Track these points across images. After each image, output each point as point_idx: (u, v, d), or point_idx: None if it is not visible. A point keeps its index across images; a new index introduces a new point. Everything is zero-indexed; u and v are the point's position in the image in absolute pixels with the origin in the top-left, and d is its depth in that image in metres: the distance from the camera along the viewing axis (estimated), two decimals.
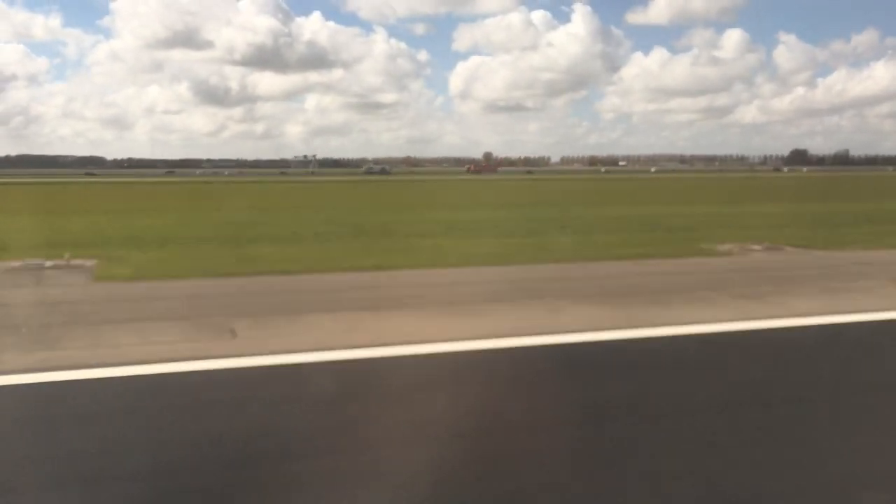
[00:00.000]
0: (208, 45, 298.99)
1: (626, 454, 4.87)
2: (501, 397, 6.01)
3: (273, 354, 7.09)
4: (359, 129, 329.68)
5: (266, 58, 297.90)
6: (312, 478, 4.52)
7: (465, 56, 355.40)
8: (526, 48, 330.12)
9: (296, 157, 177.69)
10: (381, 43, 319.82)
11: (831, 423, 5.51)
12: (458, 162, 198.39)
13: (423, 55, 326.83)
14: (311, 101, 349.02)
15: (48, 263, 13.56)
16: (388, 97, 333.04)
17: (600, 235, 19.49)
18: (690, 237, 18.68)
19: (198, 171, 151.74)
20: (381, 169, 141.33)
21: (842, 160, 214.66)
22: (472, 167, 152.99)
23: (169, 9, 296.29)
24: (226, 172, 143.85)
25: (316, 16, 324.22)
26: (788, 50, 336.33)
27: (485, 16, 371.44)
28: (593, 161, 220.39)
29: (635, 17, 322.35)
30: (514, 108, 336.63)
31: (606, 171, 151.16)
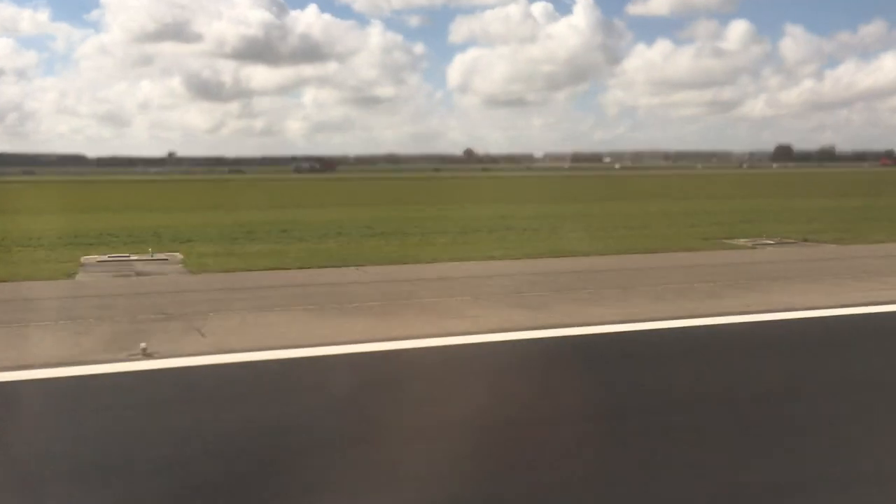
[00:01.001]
0: (197, 37, 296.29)
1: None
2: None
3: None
4: (360, 125, 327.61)
5: (259, 50, 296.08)
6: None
7: (462, 48, 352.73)
8: (524, 40, 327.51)
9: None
10: (376, 36, 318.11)
11: None
12: (444, 160, 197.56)
13: (419, 48, 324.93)
14: (308, 95, 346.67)
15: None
16: (386, 91, 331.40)
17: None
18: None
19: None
20: (310, 166, 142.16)
21: (828, 156, 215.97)
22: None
23: (158, 1, 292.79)
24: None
25: (312, 8, 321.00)
26: (794, 42, 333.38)
27: (483, 7, 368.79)
28: (576, 158, 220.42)
29: (636, 8, 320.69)
30: (515, 103, 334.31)
31: (570, 168, 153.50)
